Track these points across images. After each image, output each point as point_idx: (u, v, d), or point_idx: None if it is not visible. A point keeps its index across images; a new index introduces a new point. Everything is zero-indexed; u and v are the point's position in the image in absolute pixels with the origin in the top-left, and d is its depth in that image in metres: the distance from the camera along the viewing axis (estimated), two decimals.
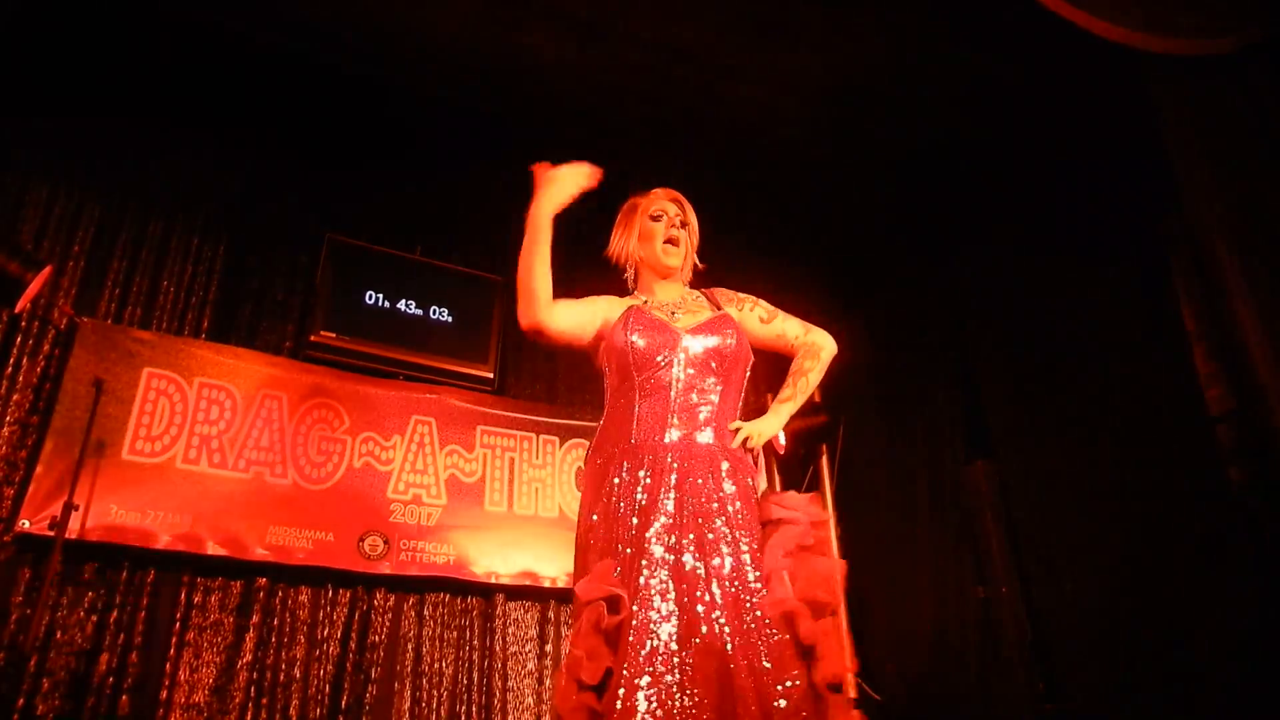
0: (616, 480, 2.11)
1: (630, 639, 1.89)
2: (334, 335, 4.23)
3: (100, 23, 4.14)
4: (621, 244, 2.42)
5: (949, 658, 4.32)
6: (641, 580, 1.96)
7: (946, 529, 4.51)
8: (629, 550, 2.02)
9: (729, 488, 2.10)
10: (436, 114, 4.86)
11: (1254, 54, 3.33)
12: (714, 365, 2.23)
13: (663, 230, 2.37)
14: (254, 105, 4.45)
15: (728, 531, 2.03)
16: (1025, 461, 4.24)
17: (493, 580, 4.14)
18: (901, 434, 4.88)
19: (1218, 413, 3.58)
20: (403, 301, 4.47)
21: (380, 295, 4.43)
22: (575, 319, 2.26)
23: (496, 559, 4.17)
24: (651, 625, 1.91)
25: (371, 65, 4.64)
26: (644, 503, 2.06)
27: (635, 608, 1.93)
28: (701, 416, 2.19)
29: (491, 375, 4.56)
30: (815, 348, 2.34)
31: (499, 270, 4.79)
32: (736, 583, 1.97)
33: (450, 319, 4.56)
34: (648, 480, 2.09)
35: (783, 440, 4.93)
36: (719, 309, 2.35)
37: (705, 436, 2.17)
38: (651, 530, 2.02)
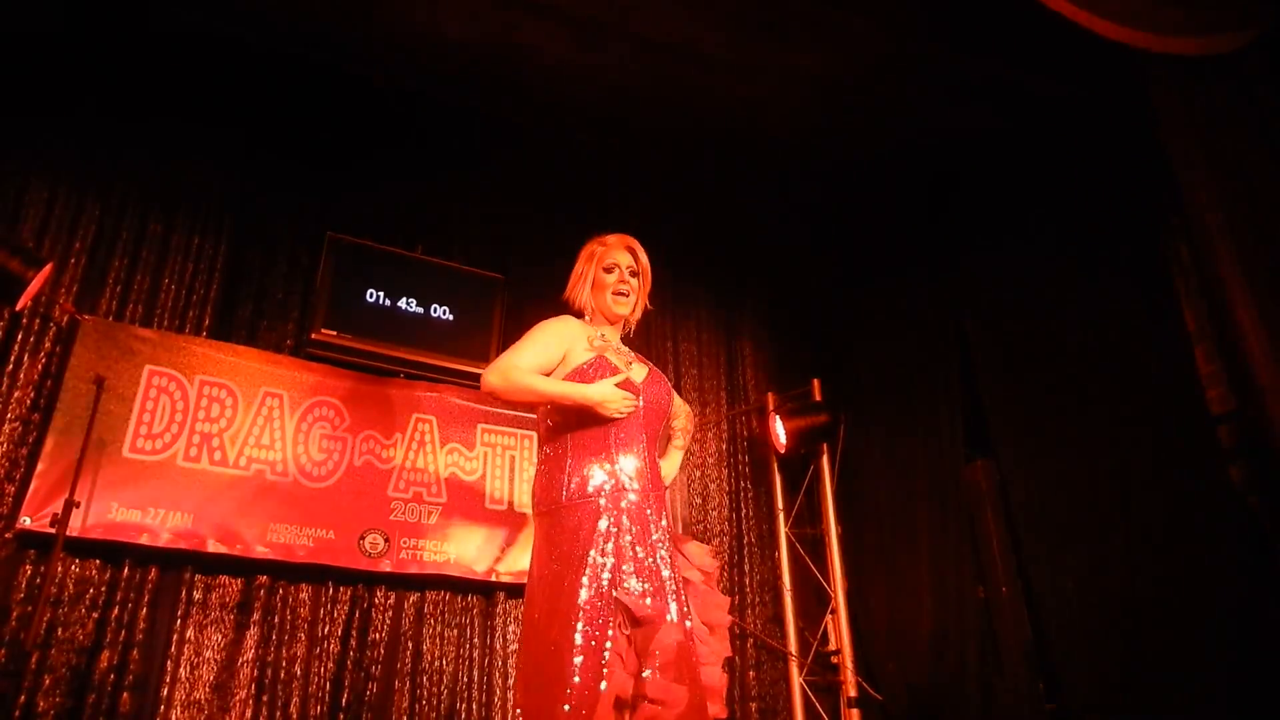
0: (616, 512, 2.35)
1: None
2: (335, 333, 4.23)
3: (101, 22, 4.15)
4: (577, 290, 2.72)
5: (949, 658, 4.32)
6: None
7: (947, 528, 4.51)
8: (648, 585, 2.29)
9: (664, 524, 2.47)
10: (437, 113, 4.88)
11: (1254, 53, 3.33)
12: (656, 413, 2.61)
13: (613, 283, 2.67)
14: (255, 104, 4.46)
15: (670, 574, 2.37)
16: (1026, 461, 4.24)
17: (493, 578, 4.13)
18: (902, 433, 4.88)
19: (1218, 412, 3.58)
20: (404, 300, 4.47)
21: (381, 293, 4.43)
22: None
23: (497, 557, 4.17)
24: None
25: (372, 65, 4.65)
26: (641, 537, 2.34)
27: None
28: (654, 458, 2.56)
29: None
30: (693, 418, 2.97)
31: (500, 269, 4.80)
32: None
33: (451, 317, 4.56)
34: (638, 520, 2.37)
35: (783, 440, 4.94)
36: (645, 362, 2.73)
37: (654, 477, 2.52)
38: (649, 569, 2.31)
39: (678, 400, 2.84)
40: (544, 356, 2.52)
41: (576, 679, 2.08)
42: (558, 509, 2.38)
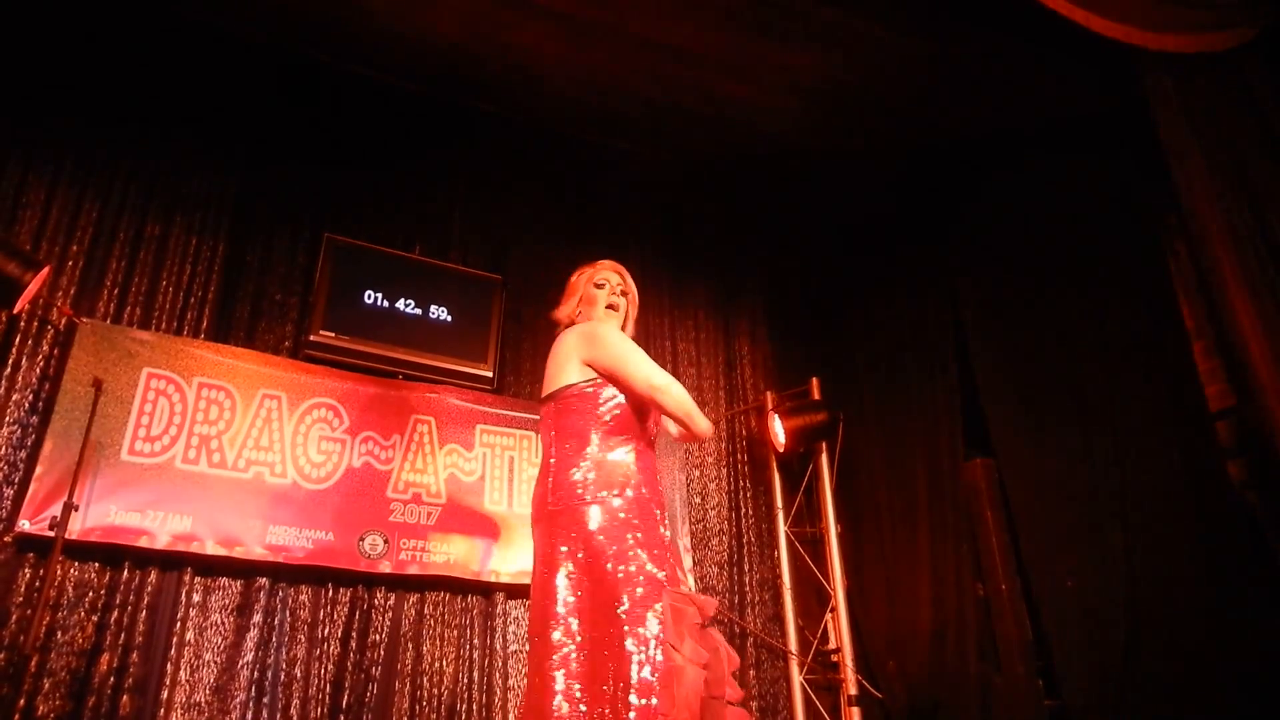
0: (664, 529, 2.45)
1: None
2: (333, 335, 4.22)
3: (99, 22, 4.14)
4: (568, 308, 2.81)
5: (948, 655, 4.33)
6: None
7: (946, 526, 4.52)
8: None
9: None
10: (435, 113, 4.88)
11: (1252, 52, 3.34)
12: None
13: (604, 296, 2.77)
14: (252, 104, 4.45)
15: None
16: (1024, 458, 4.25)
17: (493, 579, 4.13)
18: (901, 431, 4.89)
19: (1217, 409, 3.59)
20: (402, 301, 4.47)
21: (379, 295, 4.42)
22: None
23: (496, 558, 4.17)
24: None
25: (371, 65, 4.65)
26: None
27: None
28: None
29: (491, 374, 4.56)
30: None
31: (498, 270, 4.80)
32: None
33: (450, 318, 4.55)
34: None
35: (782, 439, 4.94)
36: None
37: None
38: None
39: None
40: None
41: (658, 658, 2.12)
42: (620, 499, 2.38)
